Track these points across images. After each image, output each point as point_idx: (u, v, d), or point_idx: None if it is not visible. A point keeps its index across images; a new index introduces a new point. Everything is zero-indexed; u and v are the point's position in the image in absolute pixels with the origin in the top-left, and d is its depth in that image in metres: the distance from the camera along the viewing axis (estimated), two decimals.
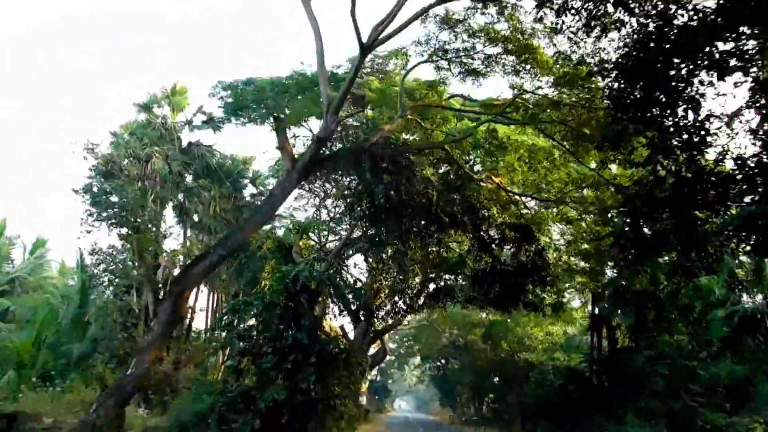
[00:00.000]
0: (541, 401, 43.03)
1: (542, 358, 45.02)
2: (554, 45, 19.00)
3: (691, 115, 14.25)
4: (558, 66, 19.72)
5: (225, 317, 22.31)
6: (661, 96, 13.83)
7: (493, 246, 23.85)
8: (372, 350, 46.23)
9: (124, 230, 31.22)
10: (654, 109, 14.28)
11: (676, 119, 14.35)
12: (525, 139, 22.75)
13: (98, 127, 70.95)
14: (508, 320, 44.88)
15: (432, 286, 27.70)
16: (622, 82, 13.85)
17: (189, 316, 33.47)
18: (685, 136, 14.76)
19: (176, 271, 29.99)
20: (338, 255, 23.54)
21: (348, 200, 22.94)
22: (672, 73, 14.03)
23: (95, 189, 30.14)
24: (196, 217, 34.47)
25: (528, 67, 21.06)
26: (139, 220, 27.20)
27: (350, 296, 24.14)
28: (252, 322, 22.93)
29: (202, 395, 23.11)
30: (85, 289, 34.27)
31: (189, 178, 34.62)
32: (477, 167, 25.08)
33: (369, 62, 29.06)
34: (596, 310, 38.06)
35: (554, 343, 46.31)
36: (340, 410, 22.90)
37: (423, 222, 22.49)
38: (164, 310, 16.37)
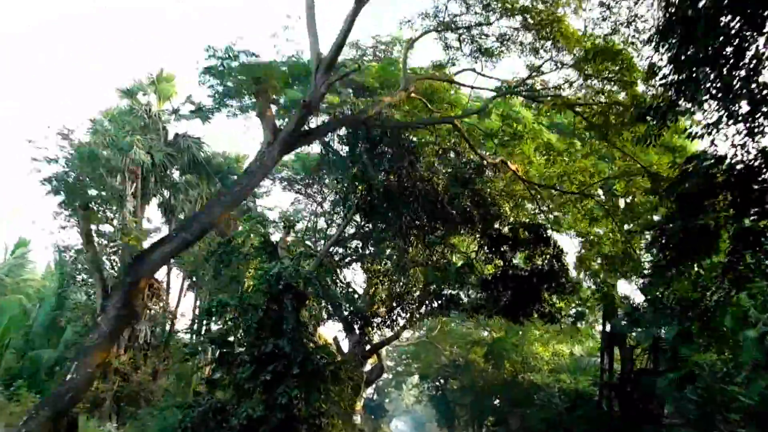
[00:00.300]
0: (546, 426, 40.03)
1: (548, 380, 41.64)
2: (583, 9, 16.12)
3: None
4: (586, 39, 16.81)
5: (198, 320, 19.20)
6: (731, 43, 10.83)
7: (505, 248, 20.71)
8: (368, 366, 42.94)
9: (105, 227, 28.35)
10: (718, 64, 11.29)
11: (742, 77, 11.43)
12: (542, 127, 19.77)
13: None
14: (514, 337, 41.71)
15: (435, 292, 24.16)
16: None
17: (172, 321, 30.37)
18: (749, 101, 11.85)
19: None
20: (330, 252, 20.33)
21: (342, 185, 19.74)
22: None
23: (71, 180, 27.20)
24: (182, 216, 31.37)
25: (549, 44, 18.13)
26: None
27: (342, 300, 20.91)
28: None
29: (173, 409, 19.91)
30: (62, 290, 31.27)
31: (176, 174, 31.59)
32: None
33: (371, 48, 26.26)
34: (608, 327, 34.98)
35: (560, 364, 42.96)
36: (326, 430, 19.67)
37: (426, 216, 19.37)
38: (113, 305, 13.25)
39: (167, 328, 29.54)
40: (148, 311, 28.53)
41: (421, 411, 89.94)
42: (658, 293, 17.96)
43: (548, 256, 20.39)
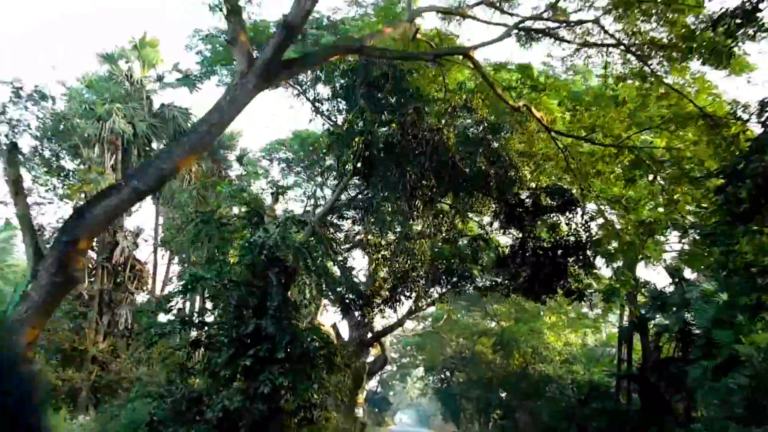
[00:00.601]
0: (558, 419, 37.25)
1: (560, 371, 38.60)
2: None
3: None
4: None
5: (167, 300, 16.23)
6: None
7: (524, 216, 17.60)
8: (371, 357, 40.03)
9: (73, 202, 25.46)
10: None
11: None
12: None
13: None
14: (525, 325, 38.66)
15: (444, 268, 20.62)
16: None
17: (157, 305, 27.37)
18: None
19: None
20: (323, 221, 17.20)
21: (334, 135, 16.53)
22: None
23: (47, 152, 24.39)
24: (170, 195, 28.35)
25: None
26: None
27: (338, 277, 17.74)
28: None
29: (145, 399, 16.93)
30: None
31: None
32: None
33: (372, 5, 23.26)
34: (625, 315, 32.06)
35: (573, 354, 39.86)
36: (320, 424, 16.74)
37: (434, 176, 16.17)
38: (46, 269, 10.29)
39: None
40: (130, 295, 25.72)
41: (426, 404, 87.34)
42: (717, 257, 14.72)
43: (575, 225, 17.32)
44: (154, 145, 27.29)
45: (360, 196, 18.03)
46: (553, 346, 39.40)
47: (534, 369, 40.09)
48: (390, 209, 16.63)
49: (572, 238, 17.20)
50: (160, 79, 26.89)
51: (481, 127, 17.33)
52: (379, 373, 53.92)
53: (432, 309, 48.55)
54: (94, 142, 24.03)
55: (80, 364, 24.05)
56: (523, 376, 41.49)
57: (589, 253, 17.53)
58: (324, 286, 16.10)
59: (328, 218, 17.78)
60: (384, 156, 15.09)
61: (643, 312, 29.65)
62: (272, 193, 17.46)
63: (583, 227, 17.28)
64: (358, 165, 15.88)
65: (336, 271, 18.51)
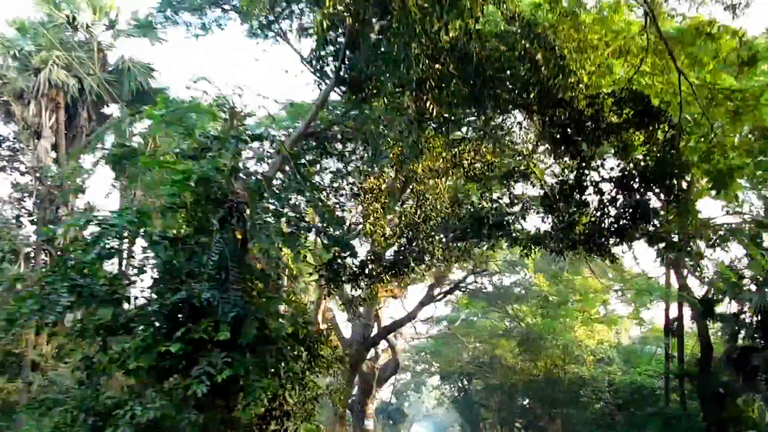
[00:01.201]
0: (593, 428, 31.89)
1: (595, 373, 32.88)
2: None
3: None
4: None
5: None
6: None
7: (582, 136, 11.65)
8: (381, 362, 34.44)
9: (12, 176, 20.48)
10: None
11: None
12: None
13: None
14: (555, 321, 32.98)
15: (469, 215, 13.86)
16: None
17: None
18: None
19: None
20: (298, 145, 11.31)
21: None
22: None
23: None
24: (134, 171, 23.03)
25: None
26: None
27: (322, 225, 11.83)
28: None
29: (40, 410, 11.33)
30: None
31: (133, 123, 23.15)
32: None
33: None
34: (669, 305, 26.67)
35: (608, 354, 34.08)
36: None
37: (456, 72, 10.12)
38: None
39: None
40: None
41: (443, 415, 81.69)
42: None
43: (658, 144, 11.41)
44: (112, 108, 21.99)
45: (350, 114, 12.06)
46: (586, 344, 33.57)
47: (564, 371, 34.33)
48: (389, 124, 10.84)
49: (654, 163, 11.37)
50: (112, 25, 21.49)
51: (515, 26, 11.76)
52: (392, 382, 48.34)
53: (447, 310, 43.11)
54: (28, 98, 18.85)
55: (17, 371, 18.75)
56: (550, 380, 35.86)
57: (680, 182, 11.70)
58: (296, 233, 10.43)
59: (306, 150, 11.97)
60: (380, 36, 9.49)
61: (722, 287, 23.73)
62: (226, 119, 11.77)
63: (668, 146, 11.32)
64: (344, 64, 10.42)
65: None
